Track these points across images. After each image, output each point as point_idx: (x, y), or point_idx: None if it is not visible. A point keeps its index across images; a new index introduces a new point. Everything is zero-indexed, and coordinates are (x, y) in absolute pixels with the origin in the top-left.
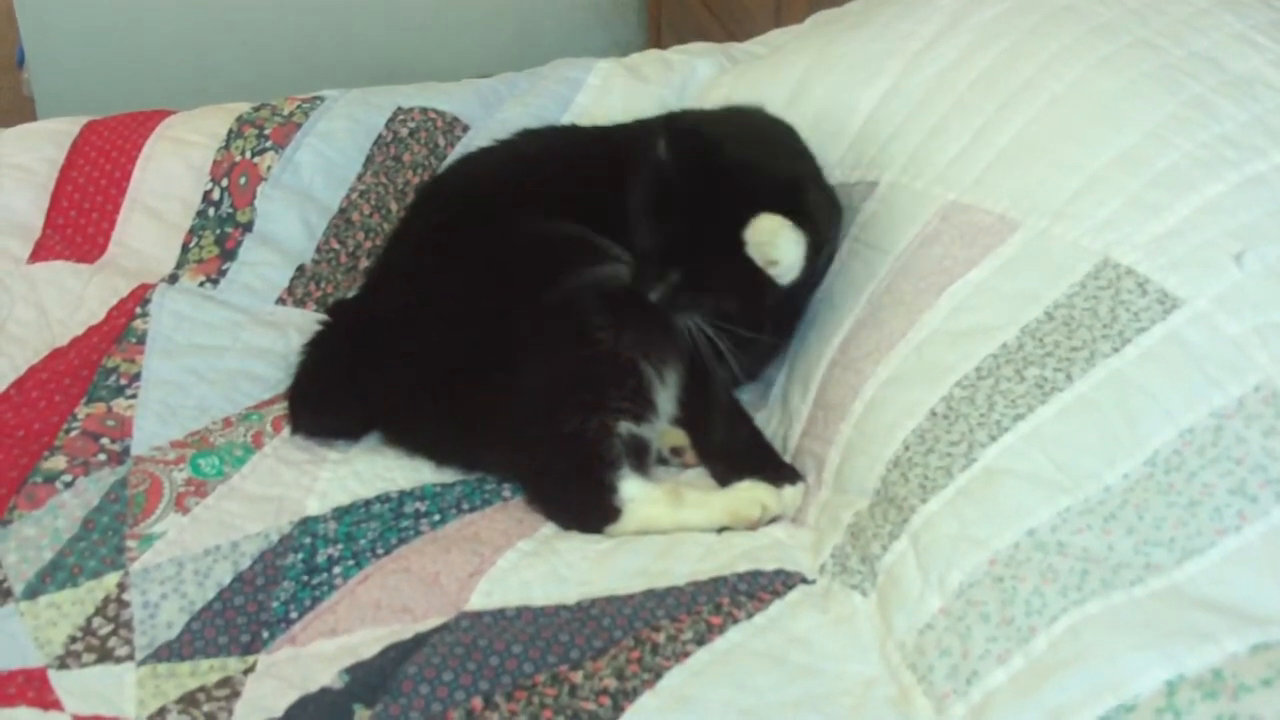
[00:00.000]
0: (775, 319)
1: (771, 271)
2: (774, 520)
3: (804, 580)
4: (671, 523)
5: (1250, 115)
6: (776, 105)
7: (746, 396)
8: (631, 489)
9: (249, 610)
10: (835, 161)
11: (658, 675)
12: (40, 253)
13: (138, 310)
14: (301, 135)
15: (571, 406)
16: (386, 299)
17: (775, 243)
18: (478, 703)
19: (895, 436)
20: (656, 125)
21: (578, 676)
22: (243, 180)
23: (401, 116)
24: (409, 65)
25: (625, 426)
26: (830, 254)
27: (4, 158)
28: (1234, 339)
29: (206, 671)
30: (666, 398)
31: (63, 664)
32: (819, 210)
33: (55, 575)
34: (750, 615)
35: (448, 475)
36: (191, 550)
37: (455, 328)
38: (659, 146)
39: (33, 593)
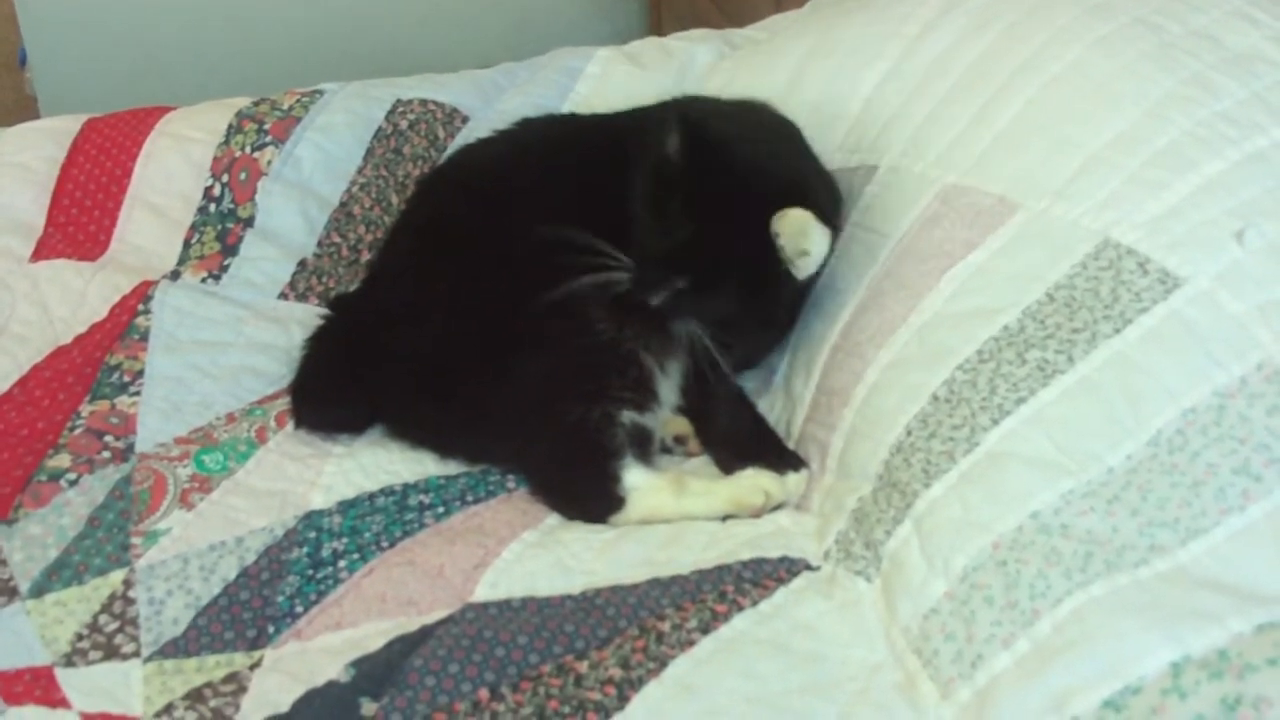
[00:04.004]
0: (789, 311)
1: (799, 263)
2: (778, 507)
3: (808, 567)
4: (675, 511)
5: (1250, 92)
6: (776, 91)
7: (750, 383)
8: (635, 478)
9: (254, 605)
10: (835, 146)
11: (663, 664)
12: (42, 251)
13: (140, 307)
14: (301, 129)
15: (574, 396)
16: (388, 292)
17: (807, 233)
18: (484, 694)
19: (898, 421)
20: (659, 113)
21: (583, 666)
22: (243, 175)
23: (401, 109)
24: (408, 57)
25: (628, 415)
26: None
27: (4, 156)
28: (1236, 317)
29: (213, 667)
30: (669, 387)
31: (69, 662)
32: (829, 209)
33: (61, 573)
34: (755, 603)
35: (451, 467)
36: (196, 546)
37: (457, 320)
38: (668, 143)
39: (39, 591)
